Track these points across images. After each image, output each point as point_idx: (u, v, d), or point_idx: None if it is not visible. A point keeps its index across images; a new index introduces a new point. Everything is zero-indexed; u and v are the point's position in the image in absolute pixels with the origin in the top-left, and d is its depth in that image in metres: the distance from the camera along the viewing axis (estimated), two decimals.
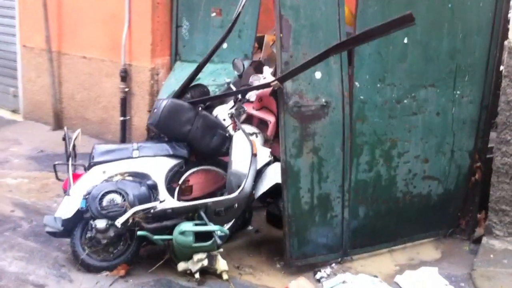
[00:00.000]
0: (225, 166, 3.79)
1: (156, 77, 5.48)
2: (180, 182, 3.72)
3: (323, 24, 3.40)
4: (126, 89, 5.52)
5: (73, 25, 5.99)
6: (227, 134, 3.79)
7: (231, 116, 3.88)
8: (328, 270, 3.55)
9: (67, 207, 3.37)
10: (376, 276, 3.48)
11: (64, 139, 3.65)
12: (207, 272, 3.38)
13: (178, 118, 3.65)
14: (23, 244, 3.67)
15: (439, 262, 3.75)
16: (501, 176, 3.78)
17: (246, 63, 4.61)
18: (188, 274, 3.38)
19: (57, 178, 3.68)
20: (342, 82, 3.49)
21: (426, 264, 3.69)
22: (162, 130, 3.66)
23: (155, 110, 3.65)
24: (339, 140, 3.53)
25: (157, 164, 3.60)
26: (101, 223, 3.26)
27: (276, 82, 3.32)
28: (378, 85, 3.58)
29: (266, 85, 3.51)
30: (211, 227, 3.33)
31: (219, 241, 3.30)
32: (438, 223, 4.03)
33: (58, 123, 6.26)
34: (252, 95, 4.32)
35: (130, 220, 3.28)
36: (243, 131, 3.70)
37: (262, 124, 4.20)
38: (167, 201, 3.46)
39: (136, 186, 3.41)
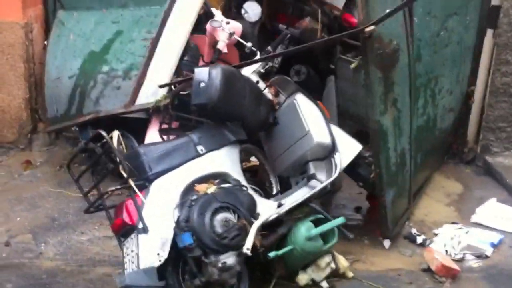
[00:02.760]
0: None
1: (31, 36, 4.09)
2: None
3: None
4: None
5: None
6: (271, 102, 3.14)
7: (264, 76, 3.20)
8: (414, 230, 3.40)
9: (154, 249, 2.37)
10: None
11: (100, 142, 2.50)
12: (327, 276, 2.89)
13: (235, 91, 2.83)
14: None
15: (473, 191, 3.93)
16: (499, 95, 4.15)
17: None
18: (309, 286, 2.82)
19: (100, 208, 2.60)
20: (405, 19, 3.24)
21: (471, 197, 3.83)
22: (221, 111, 2.78)
23: (203, 85, 2.73)
24: (407, 86, 3.30)
25: (229, 157, 2.78)
26: (230, 258, 2.41)
27: (373, 26, 2.86)
28: (427, 19, 3.44)
29: (359, 31, 2.96)
30: (336, 220, 2.81)
31: (350, 236, 2.82)
32: (443, 153, 4.28)
33: None
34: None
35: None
36: (304, 93, 3.12)
37: None
38: (275, 202, 2.76)
39: (236, 192, 2.60)
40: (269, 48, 3.27)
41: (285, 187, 3.26)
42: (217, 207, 2.45)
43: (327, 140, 3.03)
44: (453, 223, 3.51)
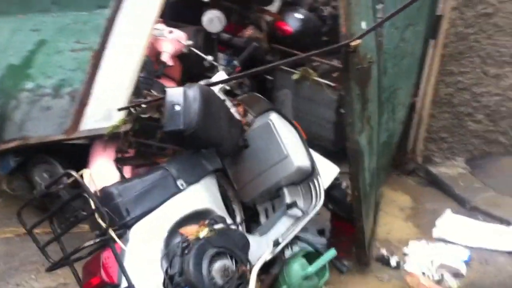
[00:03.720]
0: None
1: None
2: None
3: None
4: None
5: None
6: (240, 123, 2.82)
7: (228, 93, 2.87)
8: (383, 250, 3.32)
9: None
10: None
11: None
12: None
13: (212, 113, 2.48)
14: None
15: (424, 203, 3.94)
16: (443, 106, 4.19)
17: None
18: None
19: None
20: (375, 32, 3.09)
21: (424, 210, 3.83)
22: (199, 137, 2.40)
23: (179, 108, 2.34)
24: (377, 101, 3.17)
25: (210, 190, 2.43)
26: None
27: (359, 40, 2.65)
28: (392, 30, 3.32)
29: (345, 45, 2.71)
30: (328, 253, 2.56)
31: (344, 269, 2.59)
32: (390, 166, 4.22)
33: None
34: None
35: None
36: (278, 111, 2.83)
37: None
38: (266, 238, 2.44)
39: (228, 233, 2.25)
40: (235, 62, 2.98)
41: (250, 215, 3.04)
42: (213, 254, 2.12)
43: (307, 163, 2.80)
44: (417, 239, 3.47)
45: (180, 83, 3.53)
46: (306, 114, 4.08)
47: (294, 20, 4.61)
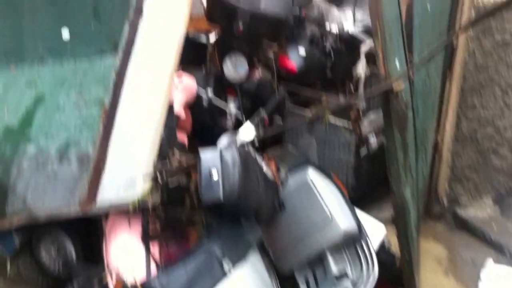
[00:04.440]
0: None
1: None
2: None
3: None
4: None
5: None
6: (275, 183, 2.55)
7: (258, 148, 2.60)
8: None
9: None
10: None
11: None
12: None
13: (251, 178, 2.22)
14: None
15: (460, 252, 3.72)
16: (466, 142, 3.99)
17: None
18: None
19: None
20: (407, 70, 2.88)
21: (461, 261, 3.62)
22: (240, 207, 2.13)
23: (216, 176, 2.08)
24: (414, 146, 2.96)
25: (257, 269, 2.14)
26: None
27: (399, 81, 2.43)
28: (419, 65, 3.13)
29: (388, 89, 2.47)
30: None
31: None
32: None
33: None
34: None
35: None
36: (315, 165, 2.57)
37: None
38: None
39: None
40: (261, 110, 2.73)
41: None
42: None
43: (353, 226, 2.53)
44: None
45: (191, 135, 3.29)
46: (320, 157, 3.86)
47: (297, 57, 4.41)
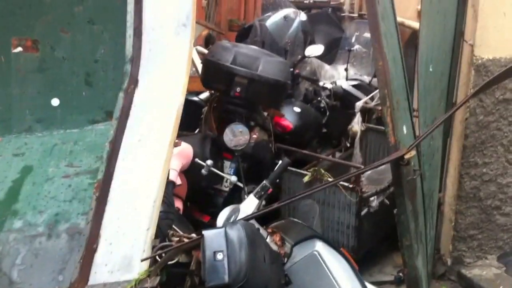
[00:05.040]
0: None
1: None
2: None
3: None
4: None
5: None
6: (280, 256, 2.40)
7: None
8: None
9: None
10: None
11: None
12: None
13: (258, 255, 2.07)
14: None
15: None
16: (469, 201, 3.89)
17: None
18: None
19: None
20: (414, 135, 2.81)
21: None
22: (247, 287, 1.98)
23: (221, 257, 1.92)
24: (423, 212, 2.84)
25: None
26: None
27: (413, 151, 2.33)
28: (424, 128, 3.05)
29: (399, 158, 2.37)
30: None
31: None
32: None
33: None
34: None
35: None
36: (322, 238, 2.43)
37: None
38: None
39: None
40: (265, 182, 2.60)
41: None
42: None
43: None
44: None
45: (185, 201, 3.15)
46: (320, 218, 3.74)
47: (293, 115, 4.36)
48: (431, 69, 3.10)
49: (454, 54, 3.69)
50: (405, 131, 2.59)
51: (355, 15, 15.04)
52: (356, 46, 6.20)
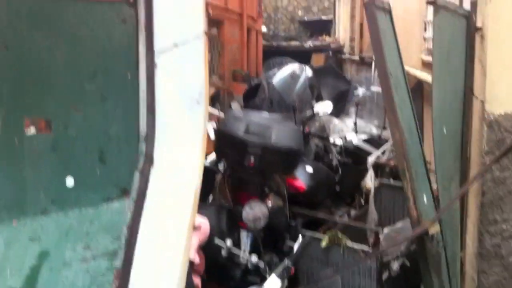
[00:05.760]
0: None
1: None
2: None
3: None
4: None
5: None
6: None
7: None
8: None
9: None
10: None
11: None
12: None
13: None
14: None
15: None
16: (491, 259, 3.82)
17: None
18: None
19: None
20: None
21: None
22: None
23: None
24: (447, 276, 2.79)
25: None
26: None
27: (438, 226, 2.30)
28: (443, 192, 3.03)
29: (423, 232, 2.34)
30: None
31: None
32: None
33: None
34: None
35: None
36: None
37: None
38: None
39: None
40: (287, 263, 2.57)
41: None
42: None
43: None
44: None
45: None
46: (339, 285, 3.66)
47: (305, 175, 4.34)
48: (445, 132, 3.09)
49: (465, 110, 3.70)
50: (425, 200, 2.57)
51: (356, 58, 15.22)
52: (363, 94, 6.24)
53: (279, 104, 5.27)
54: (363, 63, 13.90)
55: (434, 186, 3.58)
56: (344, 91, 6.58)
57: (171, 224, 2.42)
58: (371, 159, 4.65)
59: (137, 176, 2.58)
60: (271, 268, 2.82)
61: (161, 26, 2.78)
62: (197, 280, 2.99)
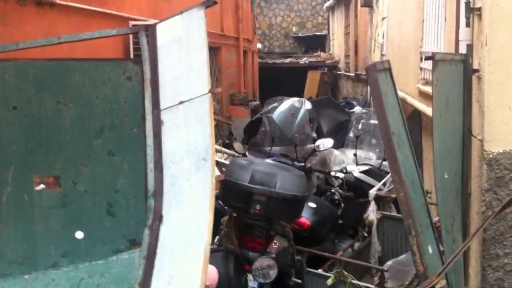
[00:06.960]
0: None
1: None
2: None
3: None
4: None
5: None
6: None
7: None
8: None
9: None
10: None
11: None
12: None
13: None
14: None
15: None
16: None
17: None
18: None
19: None
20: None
21: None
22: None
23: None
24: None
25: None
26: None
27: (444, 280, 2.36)
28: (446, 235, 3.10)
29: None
30: None
31: None
32: None
33: None
34: None
35: None
36: None
37: None
38: None
39: None
40: None
41: None
42: None
43: None
44: None
45: None
46: None
47: (309, 211, 4.39)
48: (446, 176, 3.16)
49: (465, 150, 3.76)
50: (430, 251, 2.62)
51: (352, 74, 15.32)
52: (363, 126, 6.30)
53: (280, 139, 5.36)
54: (359, 79, 14.02)
55: (436, 218, 3.66)
56: (343, 121, 6.67)
57: (183, 283, 2.48)
58: (372, 192, 4.71)
59: (146, 232, 2.63)
60: None
61: (167, 83, 2.84)
62: None
